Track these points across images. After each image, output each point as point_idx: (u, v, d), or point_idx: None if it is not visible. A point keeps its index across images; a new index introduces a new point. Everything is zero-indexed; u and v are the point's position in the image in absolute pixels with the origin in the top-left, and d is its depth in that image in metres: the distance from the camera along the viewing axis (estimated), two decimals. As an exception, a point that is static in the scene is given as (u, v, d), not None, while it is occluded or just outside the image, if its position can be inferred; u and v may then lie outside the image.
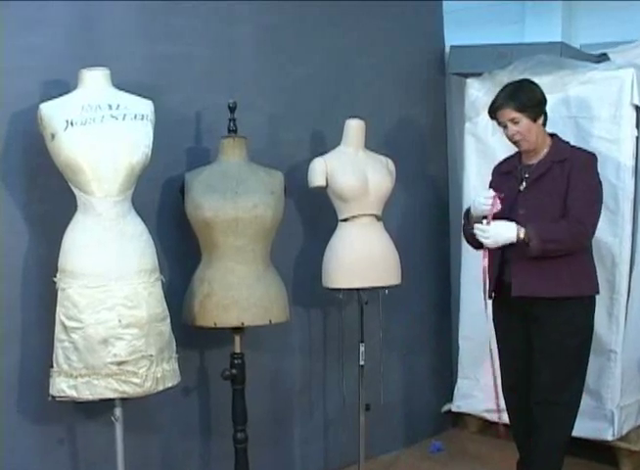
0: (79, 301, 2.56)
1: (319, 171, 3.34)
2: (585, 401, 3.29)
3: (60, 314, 2.58)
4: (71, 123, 2.56)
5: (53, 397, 2.61)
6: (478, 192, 3.81)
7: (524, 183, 3.11)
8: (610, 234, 3.56)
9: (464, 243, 3.55)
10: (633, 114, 3.55)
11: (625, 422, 3.68)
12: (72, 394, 2.58)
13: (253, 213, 2.96)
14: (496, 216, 3.00)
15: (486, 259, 3.08)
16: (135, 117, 2.67)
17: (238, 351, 3.10)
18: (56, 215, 2.72)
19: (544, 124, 3.12)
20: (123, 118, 2.64)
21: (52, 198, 2.77)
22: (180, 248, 3.15)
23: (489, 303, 3.18)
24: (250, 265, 3.01)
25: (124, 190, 2.62)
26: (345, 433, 3.74)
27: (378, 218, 3.42)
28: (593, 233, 3.07)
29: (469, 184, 4.10)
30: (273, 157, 3.38)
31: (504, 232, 2.96)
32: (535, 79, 3.21)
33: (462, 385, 4.20)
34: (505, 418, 3.37)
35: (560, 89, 3.65)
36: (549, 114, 3.16)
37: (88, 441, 2.92)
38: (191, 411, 3.28)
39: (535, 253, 2.93)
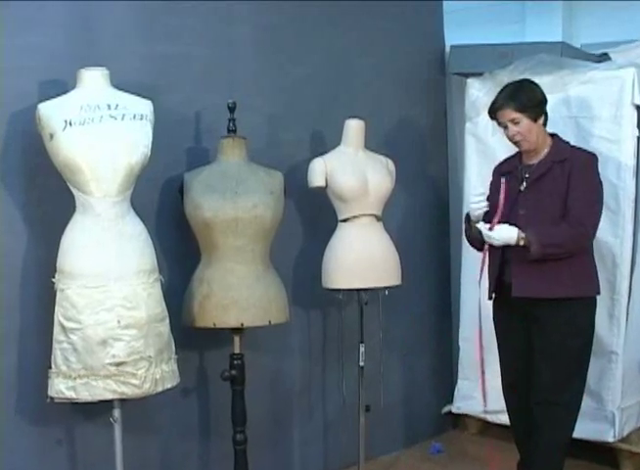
0: (78, 301, 2.55)
1: (319, 172, 3.33)
2: (586, 403, 3.29)
3: (58, 315, 2.58)
4: (70, 123, 2.56)
5: (51, 398, 2.61)
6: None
7: (524, 183, 3.10)
8: (611, 234, 3.55)
9: (464, 243, 3.55)
10: (634, 113, 3.54)
11: (626, 424, 3.68)
12: (71, 395, 2.57)
13: (253, 214, 2.95)
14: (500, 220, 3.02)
15: (486, 258, 3.10)
16: (134, 117, 2.67)
17: (237, 351, 3.09)
18: (54, 216, 2.72)
19: (545, 124, 3.12)
20: (122, 118, 2.64)
21: (51, 198, 2.77)
22: (179, 248, 3.15)
23: (487, 293, 3.19)
24: (249, 266, 3.00)
25: (123, 190, 2.62)
26: (345, 434, 3.74)
27: (378, 219, 3.41)
28: (594, 234, 3.07)
29: (469, 184, 4.09)
30: (273, 157, 3.37)
31: (505, 234, 2.97)
32: (536, 79, 3.20)
33: (462, 386, 4.19)
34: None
35: (560, 89, 3.64)
36: (549, 114, 3.15)
37: (87, 442, 2.91)
38: (190, 412, 3.27)
39: (536, 257, 2.94)
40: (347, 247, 3.34)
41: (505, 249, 3.04)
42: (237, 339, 3.08)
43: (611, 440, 3.64)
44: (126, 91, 2.73)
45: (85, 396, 2.57)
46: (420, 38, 4.20)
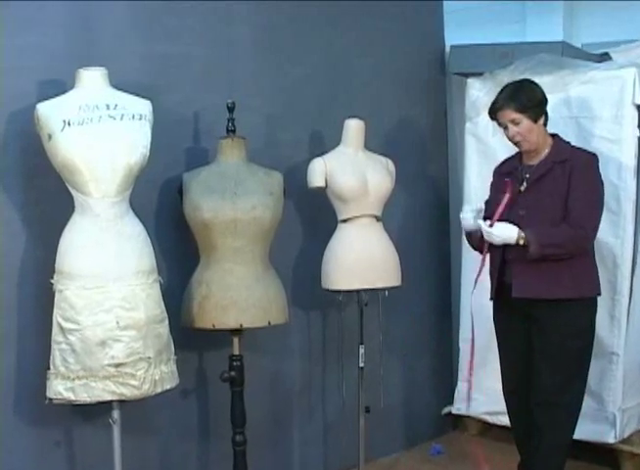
0: (77, 302, 2.54)
1: (318, 172, 3.32)
2: (587, 404, 3.28)
3: (57, 316, 2.57)
4: (69, 123, 2.55)
5: (50, 399, 2.60)
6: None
7: (524, 184, 3.09)
8: (611, 235, 3.54)
9: (464, 244, 3.54)
10: (635, 113, 3.54)
11: (627, 425, 3.67)
12: (70, 396, 2.56)
13: (252, 215, 2.95)
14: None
15: (486, 259, 3.10)
16: (133, 117, 2.66)
17: (237, 352, 3.08)
18: (53, 216, 2.71)
19: (545, 125, 3.11)
20: (121, 119, 2.63)
21: (49, 199, 2.76)
22: (178, 249, 3.14)
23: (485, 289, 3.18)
24: (248, 266, 2.99)
25: (122, 191, 2.61)
26: (345, 435, 3.73)
27: (378, 219, 3.40)
28: (594, 236, 3.06)
29: (469, 185, 4.09)
30: (272, 157, 3.37)
31: (506, 232, 2.96)
32: (536, 79, 3.19)
33: (462, 387, 4.17)
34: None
35: (561, 89, 3.64)
36: (550, 114, 3.15)
37: (85, 443, 2.91)
38: (189, 414, 3.27)
39: (535, 256, 2.93)
40: (347, 247, 3.33)
41: (505, 249, 3.03)
42: (236, 340, 3.07)
43: (611, 441, 3.63)
44: (125, 91, 2.73)
45: (84, 397, 2.56)
46: (420, 38, 4.20)
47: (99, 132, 2.56)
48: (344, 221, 3.37)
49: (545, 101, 3.09)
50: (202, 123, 3.25)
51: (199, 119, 3.24)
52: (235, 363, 3.08)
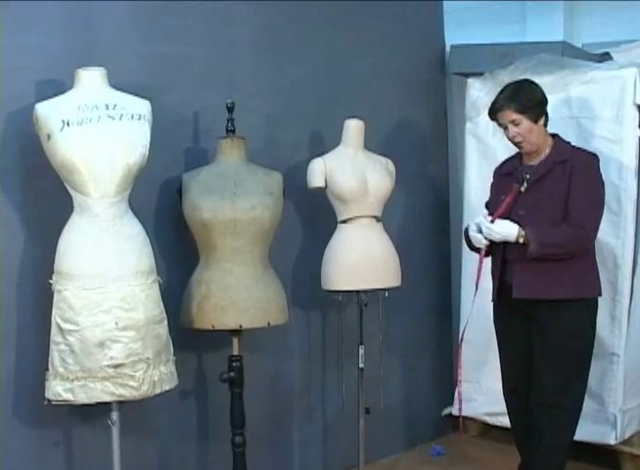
0: (75, 303, 2.54)
1: (318, 172, 3.32)
2: (587, 405, 3.27)
3: (56, 317, 2.57)
4: (68, 123, 2.55)
5: (49, 400, 2.60)
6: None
7: (524, 184, 3.09)
8: (612, 235, 3.54)
9: (464, 245, 3.53)
10: (636, 114, 3.53)
11: (628, 426, 3.66)
12: (69, 397, 2.56)
13: (252, 215, 2.94)
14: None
15: (483, 261, 3.09)
16: (132, 117, 2.66)
17: (236, 353, 3.08)
18: (52, 216, 2.71)
19: (545, 125, 3.10)
20: (120, 119, 2.63)
21: (48, 198, 2.76)
22: (178, 249, 3.13)
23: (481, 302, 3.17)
24: (248, 267, 2.99)
25: (121, 191, 2.60)
26: (345, 436, 3.72)
27: (377, 220, 3.40)
28: (595, 236, 3.05)
29: (469, 185, 4.08)
30: (271, 157, 3.36)
31: (506, 229, 2.96)
32: (537, 79, 3.19)
33: (462, 388, 4.16)
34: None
35: (561, 89, 3.63)
36: (550, 114, 3.14)
37: (84, 444, 2.90)
38: (188, 415, 3.26)
39: (535, 256, 2.93)
40: (347, 248, 3.33)
41: (506, 249, 3.03)
42: (235, 340, 3.07)
43: (612, 442, 3.62)
44: (125, 91, 2.72)
45: (83, 398, 2.55)
46: (420, 38, 4.19)
47: (98, 132, 2.56)
48: (344, 222, 3.36)
49: (545, 101, 3.09)
50: (201, 123, 3.24)
51: (198, 119, 3.24)
52: (234, 364, 3.07)
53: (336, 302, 3.41)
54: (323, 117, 3.67)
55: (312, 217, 3.64)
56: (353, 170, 3.33)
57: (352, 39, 3.83)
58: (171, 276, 3.05)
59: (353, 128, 3.41)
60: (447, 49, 4.25)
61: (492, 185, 3.29)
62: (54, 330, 2.57)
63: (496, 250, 3.08)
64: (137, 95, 2.73)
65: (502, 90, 3.11)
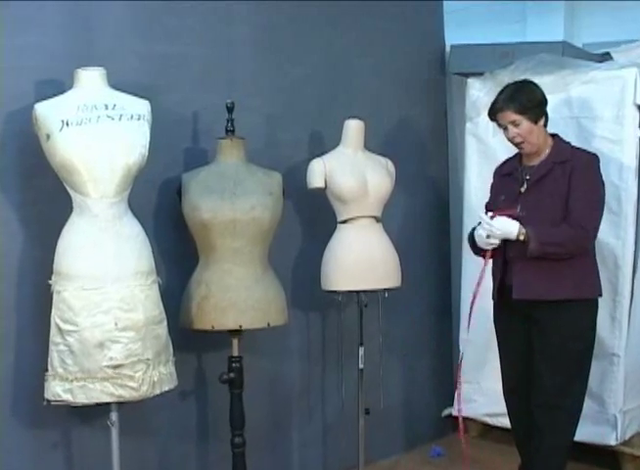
0: (75, 303, 2.53)
1: (318, 172, 3.31)
2: (588, 406, 3.26)
3: (55, 317, 2.56)
4: (67, 124, 2.54)
5: (48, 401, 2.59)
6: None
7: (524, 185, 3.08)
8: (612, 236, 3.53)
9: (465, 245, 3.53)
10: (636, 114, 3.53)
11: (629, 427, 3.66)
12: (68, 398, 2.55)
13: (251, 215, 2.93)
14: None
15: (487, 265, 3.08)
16: (132, 117, 2.65)
17: (236, 354, 3.07)
18: (51, 217, 2.70)
19: (545, 125, 3.10)
20: (120, 119, 2.62)
21: (47, 199, 2.75)
22: (177, 249, 3.13)
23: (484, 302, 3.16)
24: (247, 267, 2.98)
25: (121, 191, 2.60)
26: (345, 437, 3.71)
27: (377, 220, 3.39)
28: (595, 236, 3.05)
29: (469, 185, 4.08)
30: (271, 157, 3.36)
31: (506, 226, 2.95)
32: (537, 79, 3.19)
33: (462, 389, 4.15)
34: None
35: (562, 89, 3.63)
36: (551, 114, 3.14)
37: (83, 445, 2.89)
38: (188, 415, 3.25)
39: (535, 254, 2.92)
40: (347, 248, 3.32)
41: (507, 248, 3.02)
42: (235, 341, 3.06)
43: (613, 443, 3.62)
44: (124, 91, 2.72)
45: (82, 399, 2.55)
46: (420, 38, 4.19)
47: (97, 132, 2.55)
48: (344, 222, 3.35)
49: (545, 102, 3.08)
50: (201, 124, 3.24)
51: (198, 120, 3.23)
52: (234, 365, 3.06)
53: (335, 302, 3.40)
54: (323, 117, 3.66)
55: (312, 218, 3.63)
56: (353, 171, 3.33)
57: (352, 39, 3.83)
58: (171, 277, 3.04)
59: (353, 128, 3.40)
60: (447, 49, 4.25)
61: (492, 186, 3.29)
62: (53, 330, 2.56)
63: (497, 250, 3.07)
64: (137, 95, 2.73)
65: (502, 91, 3.10)
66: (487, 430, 4.17)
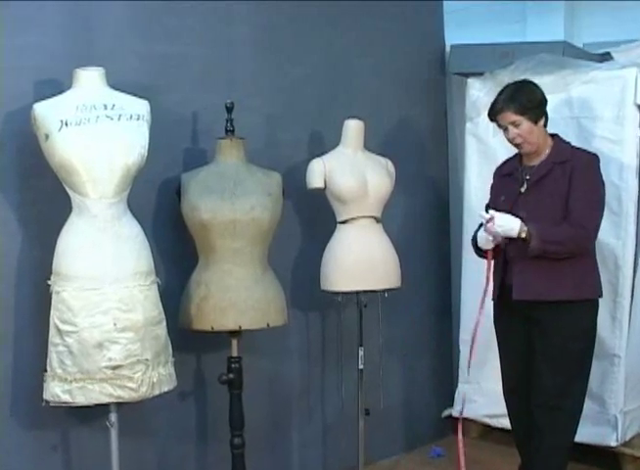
0: (74, 304, 2.53)
1: (317, 173, 3.31)
2: (588, 406, 3.26)
3: (54, 318, 2.56)
4: (66, 124, 2.54)
5: (47, 401, 2.59)
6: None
7: (524, 185, 3.07)
8: (613, 236, 3.52)
9: (465, 245, 3.52)
10: (637, 114, 3.52)
11: (629, 427, 3.65)
12: (67, 398, 2.55)
13: (251, 216, 2.93)
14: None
15: (491, 269, 3.07)
16: (131, 117, 2.65)
17: (235, 354, 3.07)
18: (50, 217, 2.70)
19: (545, 125, 3.09)
20: (119, 119, 2.62)
21: (46, 199, 2.75)
22: (176, 250, 3.12)
23: (490, 302, 3.15)
24: (247, 268, 2.97)
25: (120, 191, 2.59)
26: (344, 438, 3.71)
27: (377, 220, 3.39)
28: (595, 236, 3.04)
29: (470, 185, 4.07)
30: (271, 158, 3.35)
31: (508, 223, 2.93)
32: (537, 79, 3.18)
33: (463, 390, 4.15)
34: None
35: (562, 89, 3.62)
36: (551, 114, 3.13)
37: (82, 446, 2.89)
38: (187, 416, 3.25)
39: (536, 252, 2.91)
40: (346, 249, 3.32)
41: (507, 248, 3.02)
42: (235, 342, 3.06)
43: (613, 444, 3.61)
44: (124, 91, 2.71)
45: (81, 399, 2.55)
46: (420, 38, 4.18)
47: (96, 132, 2.55)
48: (344, 222, 3.35)
49: (545, 102, 3.07)
50: (200, 124, 3.23)
51: (197, 120, 3.23)
52: (233, 365, 3.06)
53: (335, 302, 3.40)
54: (323, 117, 3.66)
55: (312, 218, 3.63)
56: (353, 171, 3.32)
57: (352, 39, 3.82)
58: (170, 277, 3.04)
59: (353, 128, 3.40)
60: (447, 49, 4.24)
61: (492, 186, 3.28)
62: (52, 331, 2.56)
63: (498, 251, 3.07)
64: (136, 95, 2.73)
65: (501, 91, 3.09)
66: (487, 431, 4.16)
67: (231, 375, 3.04)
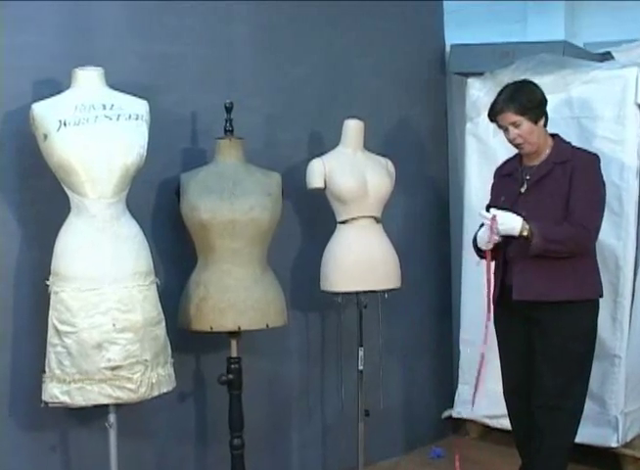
0: (72, 304, 2.52)
1: (317, 173, 3.30)
2: (589, 407, 3.25)
3: (52, 318, 2.55)
4: (64, 124, 2.53)
5: (45, 403, 2.58)
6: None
7: (524, 185, 3.07)
8: (613, 236, 3.52)
9: (465, 245, 3.51)
10: (637, 113, 3.51)
11: (630, 428, 3.65)
12: (65, 399, 2.55)
13: (250, 216, 2.92)
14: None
15: (490, 269, 3.05)
16: (130, 117, 2.64)
17: (234, 355, 3.06)
18: (49, 217, 2.69)
19: (545, 125, 3.08)
20: (118, 119, 2.61)
21: (45, 199, 2.74)
22: (175, 250, 3.12)
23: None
24: (246, 268, 2.97)
25: (119, 191, 2.59)
26: (344, 439, 3.70)
27: (377, 220, 3.38)
28: (596, 236, 3.03)
29: (470, 185, 4.06)
30: (270, 158, 3.34)
31: (510, 221, 2.92)
32: (537, 79, 3.17)
33: (463, 390, 4.15)
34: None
35: (562, 89, 3.62)
36: (552, 114, 3.13)
37: (81, 448, 2.88)
38: (186, 417, 3.24)
39: (537, 251, 2.90)
40: (346, 249, 3.31)
41: (507, 248, 3.01)
42: (234, 342, 3.05)
43: (614, 445, 3.61)
44: (123, 91, 2.71)
45: (80, 400, 2.54)
46: (420, 38, 4.18)
47: (95, 132, 2.54)
48: (344, 223, 3.34)
49: (545, 102, 3.07)
50: (200, 124, 3.23)
51: (197, 120, 3.22)
52: (233, 366, 3.05)
53: (335, 303, 3.39)
54: (323, 117, 3.65)
55: (311, 218, 3.62)
56: (353, 171, 3.32)
57: (352, 39, 3.82)
58: (169, 277, 3.04)
59: (352, 128, 3.39)
60: (447, 49, 4.24)
61: (492, 186, 3.28)
62: (51, 332, 2.55)
63: (498, 251, 3.06)
64: (135, 95, 2.72)
65: (501, 92, 3.08)
66: (487, 431, 4.16)
67: (230, 376, 3.04)
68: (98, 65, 2.69)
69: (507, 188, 3.13)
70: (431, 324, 4.29)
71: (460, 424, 4.30)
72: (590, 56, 3.86)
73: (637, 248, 3.60)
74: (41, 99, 2.61)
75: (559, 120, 3.44)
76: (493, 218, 2.92)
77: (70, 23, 2.88)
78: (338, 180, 3.29)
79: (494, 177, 3.29)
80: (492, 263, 3.08)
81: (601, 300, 3.12)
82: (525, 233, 2.90)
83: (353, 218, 3.32)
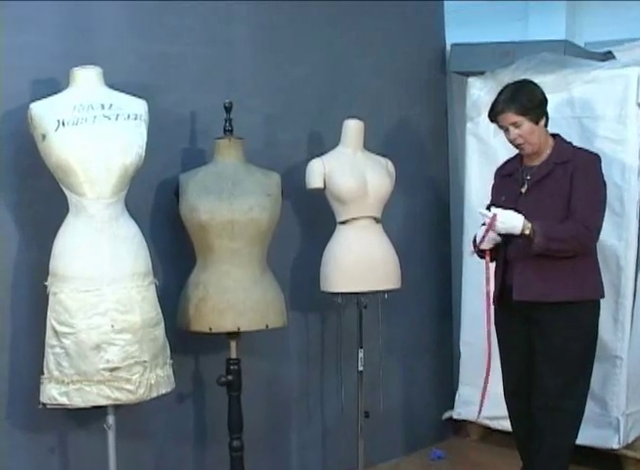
0: (71, 305, 2.52)
1: (317, 173, 3.30)
2: (590, 408, 3.25)
3: (51, 319, 2.55)
4: (63, 123, 2.53)
5: (44, 404, 2.58)
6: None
7: (525, 185, 3.06)
8: (615, 237, 3.51)
9: (465, 246, 3.51)
10: (639, 113, 3.50)
11: (631, 430, 3.64)
12: (64, 401, 2.54)
13: (249, 216, 2.91)
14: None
15: (490, 269, 3.04)
16: (128, 117, 2.64)
17: (234, 356, 3.05)
18: (47, 217, 2.69)
19: (546, 125, 3.08)
20: (116, 119, 2.61)
21: (43, 199, 2.74)
22: (174, 250, 3.11)
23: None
24: (246, 269, 2.96)
25: (117, 191, 2.58)
26: (344, 440, 3.69)
27: (377, 221, 3.37)
28: (597, 236, 3.03)
29: (470, 185, 4.06)
30: (270, 158, 3.34)
31: (511, 219, 2.91)
32: (538, 78, 3.17)
33: (463, 392, 4.14)
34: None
35: (563, 88, 3.61)
36: (552, 114, 3.12)
37: (80, 449, 2.88)
38: (185, 418, 3.24)
39: (539, 250, 2.89)
40: (346, 249, 3.30)
41: (508, 248, 3.00)
42: (233, 343, 3.04)
43: (615, 446, 3.60)
44: (122, 91, 2.71)
45: (78, 402, 2.54)
46: (420, 37, 4.18)
47: (93, 132, 2.54)
48: (343, 223, 3.33)
49: (545, 101, 3.06)
50: (199, 124, 3.22)
51: (196, 120, 3.22)
52: (232, 367, 3.04)
53: (335, 304, 3.38)
54: (322, 117, 3.65)
55: (311, 218, 3.61)
56: (352, 171, 3.31)
57: (352, 39, 3.82)
58: (168, 278, 3.03)
59: (352, 128, 3.38)
60: (448, 48, 4.24)
61: (493, 186, 3.27)
62: (49, 333, 2.55)
63: (499, 251, 3.05)
64: (134, 95, 2.72)
65: (501, 92, 3.07)
66: (488, 433, 4.15)
67: (230, 377, 3.03)
68: (97, 64, 2.68)
69: (508, 188, 3.13)
70: (431, 325, 4.28)
71: (460, 425, 4.30)
72: (591, 55, 3.85)
73: (639, 248, 3.59)
74: (39, 99, 2.60)
75: (560, 120, 3.44)
76: (494, 217, 2.91)
77: (70, 22, 2.87)
78: (337, 180, 3.28)
79: (495, 177, 3.28)
80: (492, 264, 3.08)
81: (602, 300, 3.11)
82: (526, 232, 2.89)
83: (353, 218, 3.31)
